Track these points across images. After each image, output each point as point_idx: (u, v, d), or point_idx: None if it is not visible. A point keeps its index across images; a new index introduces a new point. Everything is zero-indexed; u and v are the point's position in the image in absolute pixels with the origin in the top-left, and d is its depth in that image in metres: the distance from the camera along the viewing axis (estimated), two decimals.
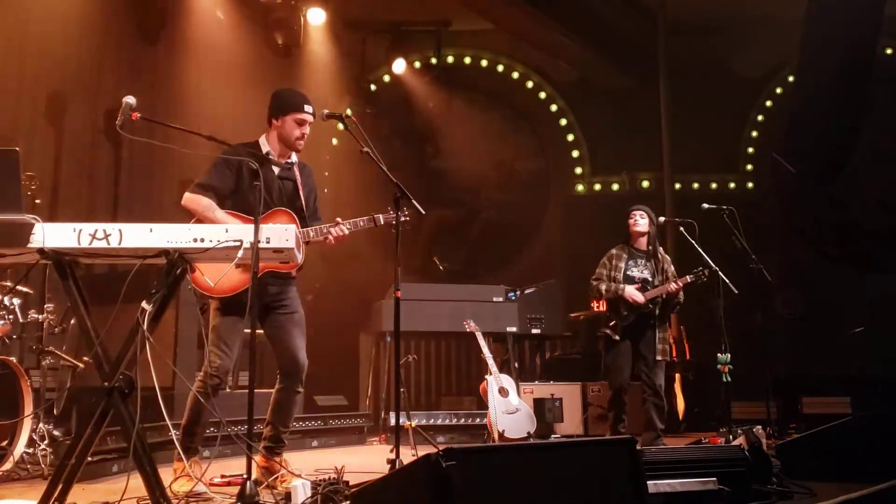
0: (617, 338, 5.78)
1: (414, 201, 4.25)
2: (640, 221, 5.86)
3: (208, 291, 3.88)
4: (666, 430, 7.74)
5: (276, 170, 4.15)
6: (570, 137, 11.42)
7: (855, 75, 8.99)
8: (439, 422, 7.01)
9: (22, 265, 3.20)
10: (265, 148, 4.17)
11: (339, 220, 4.10)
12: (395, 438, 4.14)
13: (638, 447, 2.86)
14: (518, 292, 7.52)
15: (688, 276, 5.76)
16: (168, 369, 5.16)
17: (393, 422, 4.81)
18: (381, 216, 4.27)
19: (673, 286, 5.68)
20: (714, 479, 3.33)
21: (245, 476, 3.12)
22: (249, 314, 3.34)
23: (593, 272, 6.06)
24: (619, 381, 5.84)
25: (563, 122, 11.43)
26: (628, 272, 5.83)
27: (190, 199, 3.94)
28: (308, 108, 4.12)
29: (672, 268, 5.96)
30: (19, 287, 4.58)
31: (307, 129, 4.14)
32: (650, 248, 5.87)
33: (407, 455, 4.24)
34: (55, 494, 2.83)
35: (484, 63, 11.43)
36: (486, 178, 11.19)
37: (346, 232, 4.08)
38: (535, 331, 7.62)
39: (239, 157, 3.89)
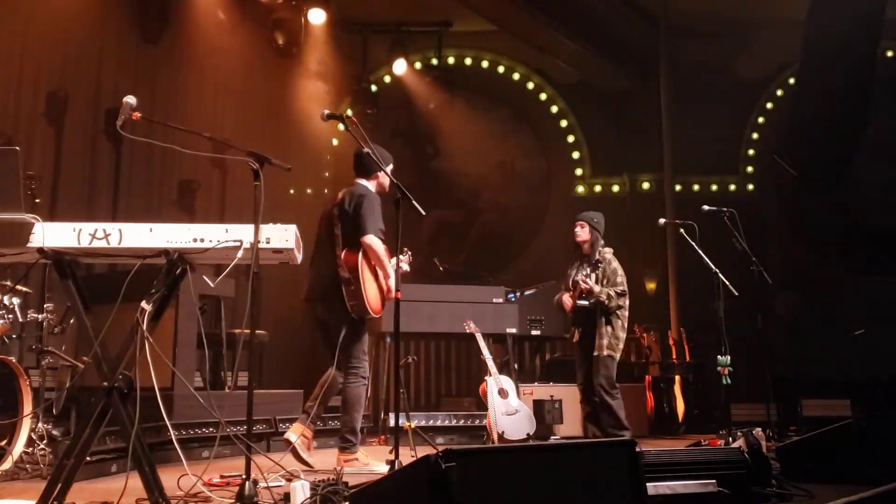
0: (575, 340, 5.97)
1: (414, 202, 4.25)
2: (578, 231, 5.98)
3: (376, 313, 4.66)
4: (665, 432, 7.79)
5: None
6: (571, 139, 11.43)
7: (856, 77, 9.00)
8: (439, 423, 7.00)
9: (22, 264, 3.20)
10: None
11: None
12: (395, 439, 4.13)
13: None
14: (518, 293, 7.51)
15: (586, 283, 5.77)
16: (167, 369, 5.16)
17: (392, 423, 4.81)
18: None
19: (582, 286, 5.73)
20: (713, 481, 3.33)
21: (244, 476, 3.12)
22: (250, 315, 3.33)
23: None
24: (578, 381, 5.97)
25: (564, 123, 11.44)
26: (574, 278, 5.94)
27: (378, 243, 4.58)
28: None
29: (611, 267, 5.82)
30: (19, 286, 4.58)
31: None
32: (591, 253, 5.92)
33: (406, 456, 4.23)
34: (54, 494, 2.83)
35: (485, 64, 11.44)
36: (487, 179, 11.19)
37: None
38: (534, 332, 7.61)
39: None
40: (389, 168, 4.64)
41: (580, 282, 5.73)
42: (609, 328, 5.73)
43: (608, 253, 5.92)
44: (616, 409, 5.63)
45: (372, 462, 4.72)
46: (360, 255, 4.59)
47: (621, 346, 5.78)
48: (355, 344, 4.69)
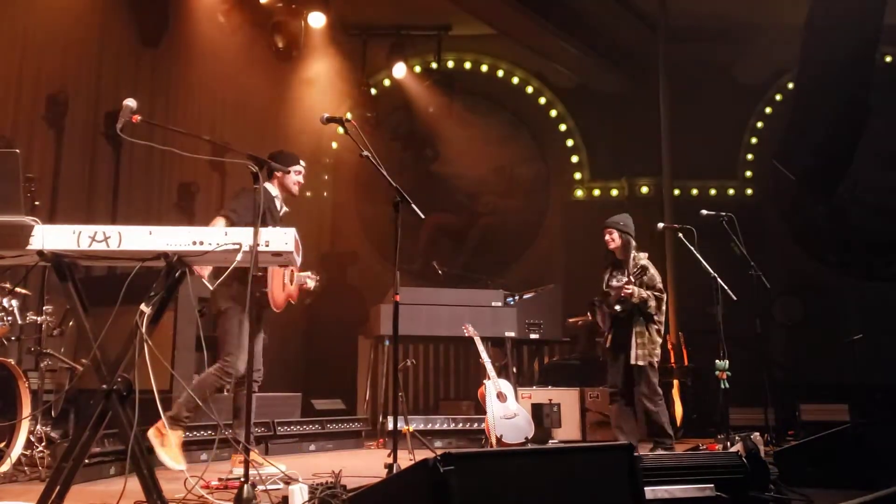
0: (608, 345, 5.93)
1: (413, 205, 4.26)
2: (608, 239, 5.92)
3: (276, 307, 4.69)
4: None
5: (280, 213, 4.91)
6: (570, 143, 11.43)
7: (855, 82, 9.02)
8: (437, 426, 7.00)
9: (21, 267, 3.20)
10: (274, 192, 4.89)
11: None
12: (393, 443, 4.13)
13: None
14: (517, 297, 7.52)
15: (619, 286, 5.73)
16: (166, 372, 5.17)
17: (391, 426, 4.81)
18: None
19: (624, 292, 5.65)
20: (711, 485, 3.33)
21: (242, 479, 3.12)
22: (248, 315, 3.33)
23: (591, 277, 6.09)
24: (609, 384, 6.03)
25: (563, 127, 11.44)
26: (610, 283, 5.91)
27: (216, 220, 4.50)
28: (303, 162, 5.02)
29: (649, 274, 5.78)
30: (18, 289, 4.57)
31: (302, 179, 5.00)
32: (624, 258, 5.86)
33: (405, 459, 4.24)
34: (52, 496, 2.83)
35: (484, 68, 11.45)
36: (486, 182, 11.20)
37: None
38: (533, 336, 7.62)
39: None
40: (293, 168, 4.89)
41: (622, 287, 5.64)
42: (647, 335, 5.67)
43: (643, 259, 5.85)
44: (659, 417, 5.63)
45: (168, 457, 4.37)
46: None
47: (658, 350, 5.72)
48: (231, 335, 4.57)
